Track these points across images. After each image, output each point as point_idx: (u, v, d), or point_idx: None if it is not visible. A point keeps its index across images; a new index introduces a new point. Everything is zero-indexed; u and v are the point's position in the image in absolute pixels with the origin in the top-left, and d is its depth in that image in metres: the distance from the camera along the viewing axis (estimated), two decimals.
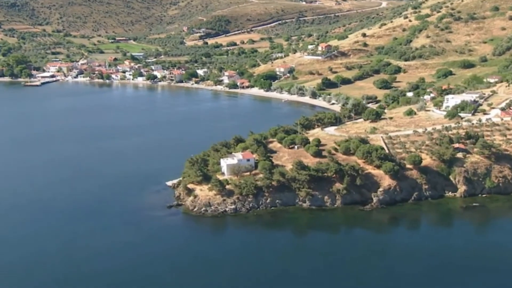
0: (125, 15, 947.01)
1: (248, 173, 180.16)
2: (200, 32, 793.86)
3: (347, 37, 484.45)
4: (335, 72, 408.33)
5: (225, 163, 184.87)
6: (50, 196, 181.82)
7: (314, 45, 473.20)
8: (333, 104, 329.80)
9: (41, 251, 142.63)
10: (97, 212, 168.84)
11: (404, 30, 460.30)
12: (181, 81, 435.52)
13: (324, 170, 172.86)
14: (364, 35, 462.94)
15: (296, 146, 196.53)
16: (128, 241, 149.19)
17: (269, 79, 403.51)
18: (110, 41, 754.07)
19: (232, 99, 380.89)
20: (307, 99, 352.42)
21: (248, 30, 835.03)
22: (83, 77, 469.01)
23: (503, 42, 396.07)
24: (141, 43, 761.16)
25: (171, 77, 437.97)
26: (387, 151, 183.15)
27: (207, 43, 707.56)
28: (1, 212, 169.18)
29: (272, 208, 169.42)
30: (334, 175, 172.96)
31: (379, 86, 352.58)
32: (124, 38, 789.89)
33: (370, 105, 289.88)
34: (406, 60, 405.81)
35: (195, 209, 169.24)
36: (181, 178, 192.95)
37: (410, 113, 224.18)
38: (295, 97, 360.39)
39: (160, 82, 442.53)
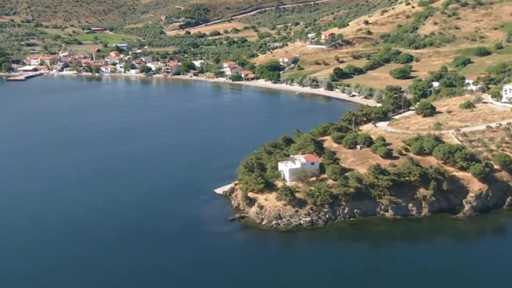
0: (96, 4, 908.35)
1: (314, 179, 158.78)
2: (179, 22, 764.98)
3: (347, 24, 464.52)
4: (342, 62, 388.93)
5: (287, 168, 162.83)
6: (90, 212, 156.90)
7: (314, 34, 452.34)
8: (353, 96, 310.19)
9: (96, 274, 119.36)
10: (150, 228, 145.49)
11: (408, 17, 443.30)
12: (178, 73, 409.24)
13: (406, 174, 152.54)
14: (366, 22, 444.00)
15: (358, 146, 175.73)
16: (193, 262, 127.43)
17: (273, 70, 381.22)
18: (85, 31, 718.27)
19: (240, 92, 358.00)
20: (321, 91, 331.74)
21: (228, 19, 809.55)
22: (70, 70, 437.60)
23: None
24: (118, 33, 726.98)
25: (167, 69, 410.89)
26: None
27: (189, 32, 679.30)
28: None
29: (351, 218, 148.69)
30: (416, 180, 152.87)
31: (396, 76, 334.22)
32: (99, 28, 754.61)
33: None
34: (416, 48, 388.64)
35: (263, 223, 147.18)
36: (233, 185, 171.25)
37: (468, 105, 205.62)
38: (307, 89, 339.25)
39: (155, 74, 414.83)
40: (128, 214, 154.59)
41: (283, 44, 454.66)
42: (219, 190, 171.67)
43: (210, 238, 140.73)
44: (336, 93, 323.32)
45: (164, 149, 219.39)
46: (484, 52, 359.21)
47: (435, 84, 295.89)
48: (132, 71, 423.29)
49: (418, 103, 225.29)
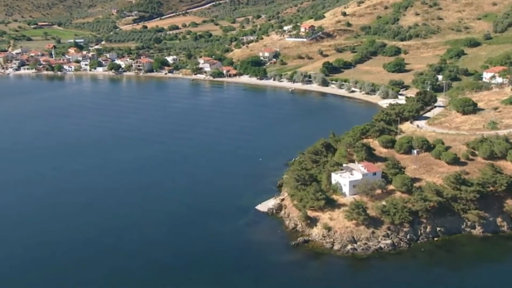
0: None
1: (379, 192, 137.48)
2: (132, 15, 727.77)
3: (324, 16, 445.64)
4: (326, 56, 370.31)
5: (346, 179, 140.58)
6: (121, 243, 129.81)
7: (290, 26, 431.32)
8: (352, 92, 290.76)
9: None
10: (199, 260, 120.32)
11: (386, 7, 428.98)
12: (151, 71, 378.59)
13: (491, 184, 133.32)
14: (344, 14, 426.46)
15: (415, 151, 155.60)
16: None
17: (254, 65, 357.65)
18: (32, 26, 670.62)
19: (224, 90, 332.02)
20: (315, 87, 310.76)
21: (183, 12, 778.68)
22: (28, 69, 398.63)
23: (501, 18, 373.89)
24: (68, 28, 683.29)
25: (139, 66, 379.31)
26: None
27: (146, 27, 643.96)
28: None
29: (435, 238, 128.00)
30: (502, 190, 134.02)
31: (391, 70, 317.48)
32: (46, 23, 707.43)
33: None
34: (402, 40, 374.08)
35: (335, 247, 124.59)
36: (278, 201, 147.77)
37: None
38: (299, 85, 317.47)
39: (126, 72, 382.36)
40: (165, 241, 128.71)
41: (257, 38, 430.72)
42: (261, 207, 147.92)
43: (278, 271, 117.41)
44: (332, 89, 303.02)
45: (167, 159, 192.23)
46: (474, 43, 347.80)
47: (439, 77, 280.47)
48: (99, 69, 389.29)
49: (450, 99, 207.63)
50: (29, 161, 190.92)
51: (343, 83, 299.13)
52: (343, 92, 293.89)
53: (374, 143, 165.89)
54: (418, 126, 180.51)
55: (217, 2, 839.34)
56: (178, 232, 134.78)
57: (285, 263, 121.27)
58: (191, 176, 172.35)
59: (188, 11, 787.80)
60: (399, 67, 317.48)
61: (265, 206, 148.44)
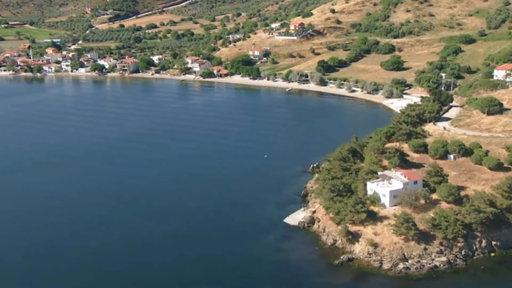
0: None
1: (423, 202, 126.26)
2: (108, 14, 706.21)
3: (311, 13, 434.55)
4: (318, 54, 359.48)
5: (385, 189, 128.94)
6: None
7: (278, 24, 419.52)
8: (353, 91, 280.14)
9: None
10: (237, 283, 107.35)
11: (375, 4, 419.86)
12: (137, 71, 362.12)
13: None
14: (333, 11, 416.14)
15: (451, 156, 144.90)
16: None
17: (245, 64, 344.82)
18: (3, 26, 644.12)
19: (217, 91, 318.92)
20: (312, 87, 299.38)
21: (159, 10, 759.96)
22: (5, 70, 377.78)
23: (494, 14, 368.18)
24: (41, 27, 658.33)
25: (124, 66, 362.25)
26: None
27: (123, 25, 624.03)
28: None
29: (492, 254, 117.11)
30: None
31: (389, 68, 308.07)
32: (17, 22, 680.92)
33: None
34: (395, 37, 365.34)
35: (384, 266, 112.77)
36: (309, 213, 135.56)
37: None
38: (295, 85, 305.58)
39: (110, 73, 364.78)
40: (192, 258, 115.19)
41: (244, 36, 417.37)
42: (290, 220, 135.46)
43: None
44: (331, 89, 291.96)
45: (182, 165, 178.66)
46: (470, 40, 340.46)
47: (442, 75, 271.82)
48: (82, 70, 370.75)
49: (467, 98, 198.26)
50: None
51: (342, 82, 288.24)
52: (343, 91, 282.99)
53: (403, 147, 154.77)
54: (445, 128, 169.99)
55: (193, 0, 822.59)
56: (204, 249, 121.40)
57: (331, 285, 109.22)
58: (204, 188, 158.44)
59: (164, 9, 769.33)
60: (397, 65, 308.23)
61: (294, 219, 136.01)
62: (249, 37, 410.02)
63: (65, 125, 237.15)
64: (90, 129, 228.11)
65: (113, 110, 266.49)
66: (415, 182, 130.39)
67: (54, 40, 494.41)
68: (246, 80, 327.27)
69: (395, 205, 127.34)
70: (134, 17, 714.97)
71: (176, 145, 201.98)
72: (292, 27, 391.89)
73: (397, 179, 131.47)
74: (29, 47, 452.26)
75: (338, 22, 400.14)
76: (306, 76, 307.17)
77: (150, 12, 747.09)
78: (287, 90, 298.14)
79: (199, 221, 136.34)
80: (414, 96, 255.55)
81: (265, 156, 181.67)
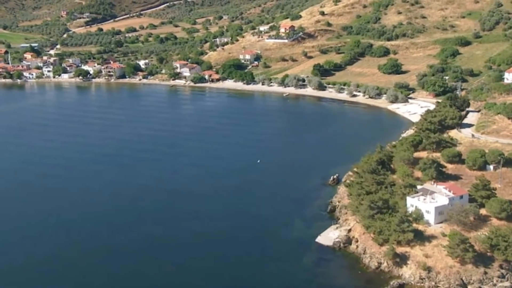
0: None
1: (472, 219, 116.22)
2: (84, 17, 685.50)
3: (300, 16, 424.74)
4: (311, 57, 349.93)
5: (429, 205, 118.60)
6: None
7: (267, 27, 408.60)
8: (354, 96, 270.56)
9: None
10: None
11: (365, 6, 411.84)
12: (123, 76, 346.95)
13: None
14: (322, 13, 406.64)
15: (491, 167, 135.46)
16: None
17: (237, 68, 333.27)
18: None
19: (208, 97, 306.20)
20: (310, 91, 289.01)
21: (137, 13, 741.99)
22: None
23: (487, 16, 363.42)
24: (15, 31, 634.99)
25: (109, 72, 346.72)
26: None
27: (102, 29, 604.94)
28: None
29: None
30: None
31: (387, 71, 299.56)
32: None
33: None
34: (388, 40, 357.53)
35: None
36: (345, 232, 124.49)
37: None
38: (292, 90, 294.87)
39: (95, 79, 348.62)
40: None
41: (232, 39, 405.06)
42: (323, 240, 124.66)
43: None
44: (330, 93, 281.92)
45: (185, 182, 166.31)
46: (465, 42, 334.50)
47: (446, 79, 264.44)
48: (64, 76, 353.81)
49: (483, 103, 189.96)
50: None
51: (343, 86, 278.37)
52: (343, 96, 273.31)
53: (437, 157, 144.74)
54: (473, 135, 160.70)
55: (171, 3, 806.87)
56: (236, 274, 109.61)
57: None
58: (223, 205, 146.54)
59: (142, 12, 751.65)
60: (396, 69, 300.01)
61: (327, 238, 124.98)
62: (237, 40, 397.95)
63: (46, 138, 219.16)
64: (79, 144, 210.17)
65: (102, 122, 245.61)
66: (461, 197, 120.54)
67: (33, 44, 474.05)
68: (240, 85, 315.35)
69: (441, 222, 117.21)
70: (112, 20, 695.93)
71: (180, 160, 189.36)
72: (282, 30, 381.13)
73: (441, 194, 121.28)
74: (5, 52, 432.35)
75: (329, 24, 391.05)
76: (303, 80, 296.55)
77: (128, 16, 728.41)
78: (284, 95, 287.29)
79: (228, 237, 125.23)
80: (420, 101, 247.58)
81: (258, 161, 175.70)
